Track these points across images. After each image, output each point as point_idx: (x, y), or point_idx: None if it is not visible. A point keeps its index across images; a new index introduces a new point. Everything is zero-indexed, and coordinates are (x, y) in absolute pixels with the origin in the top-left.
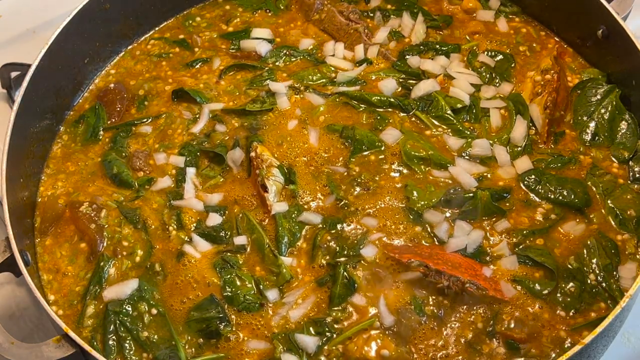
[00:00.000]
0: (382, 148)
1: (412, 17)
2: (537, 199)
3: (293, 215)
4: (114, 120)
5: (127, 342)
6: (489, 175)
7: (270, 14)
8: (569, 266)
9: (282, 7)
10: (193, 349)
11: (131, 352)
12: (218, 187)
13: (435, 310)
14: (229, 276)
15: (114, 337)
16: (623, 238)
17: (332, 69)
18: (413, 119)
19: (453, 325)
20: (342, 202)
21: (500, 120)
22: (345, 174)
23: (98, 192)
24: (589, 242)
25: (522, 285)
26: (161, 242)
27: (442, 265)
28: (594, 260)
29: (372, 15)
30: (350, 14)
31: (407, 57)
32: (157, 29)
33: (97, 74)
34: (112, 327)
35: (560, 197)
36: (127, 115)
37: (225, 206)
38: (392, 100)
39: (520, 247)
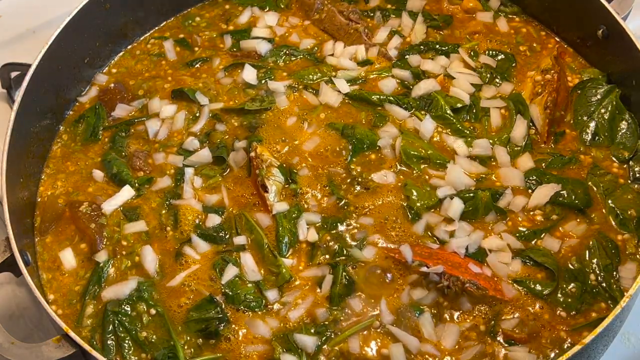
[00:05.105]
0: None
1: (412, 17)
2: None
3: (293, 215)
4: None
5: (126, 342)
6: (492, 177)
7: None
8: (571, 267)
9: (282, 6)
10: (192, 350)
11: (130, 352)
12: (217, 187)
13: (435, 311)
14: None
15: (112, 337)
16: (623, 238)
17: (332, 67)
18: (413, 118)
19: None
20: (343, 202)
21: (500, 120)
22: (345, 174)
23: (98, 192)
24: (590, 243)
25: (522, 286)
26: (159, 241)
27: (442, 265)
28: (595, 261)
29: (372, 15)
30: (350, 14)
31: (407, 56)
32: (157, 28)
33: (97, 73)
34: (110, 327)
35: (561, 198)
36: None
37: (224, 206)
38: (391, 99)
39: (522, 247)
